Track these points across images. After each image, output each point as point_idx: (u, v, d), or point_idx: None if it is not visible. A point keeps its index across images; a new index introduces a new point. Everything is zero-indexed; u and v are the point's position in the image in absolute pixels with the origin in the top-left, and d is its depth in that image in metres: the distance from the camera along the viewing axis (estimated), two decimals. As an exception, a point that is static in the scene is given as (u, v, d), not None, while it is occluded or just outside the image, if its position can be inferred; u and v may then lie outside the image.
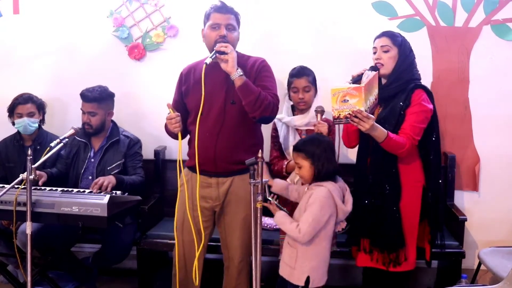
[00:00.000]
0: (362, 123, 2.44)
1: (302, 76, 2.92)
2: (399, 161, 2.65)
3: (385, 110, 2.69)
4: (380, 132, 2.51)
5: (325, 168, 2.45)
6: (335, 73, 3.11)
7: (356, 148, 2.88)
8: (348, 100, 2.41)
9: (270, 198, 2.50)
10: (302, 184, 2.60)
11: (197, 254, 2.71)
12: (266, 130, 2.98)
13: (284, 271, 2.56)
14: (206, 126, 2.67)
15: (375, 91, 2.60)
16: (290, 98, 2.97)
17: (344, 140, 2.87)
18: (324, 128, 2.70)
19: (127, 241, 3.24)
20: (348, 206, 2.51)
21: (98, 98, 3.27)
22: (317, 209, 2.41)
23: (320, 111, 2.72)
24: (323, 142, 2.52)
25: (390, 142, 2.53)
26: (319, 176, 2.47)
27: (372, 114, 2.55)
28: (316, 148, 2.46)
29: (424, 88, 2.70)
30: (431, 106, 2.66)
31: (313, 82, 2.94)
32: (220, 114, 2.67)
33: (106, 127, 3.34)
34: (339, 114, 2.45)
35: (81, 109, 3.31)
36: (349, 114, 2.43)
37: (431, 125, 2.68)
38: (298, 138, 2.89)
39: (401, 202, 2.66)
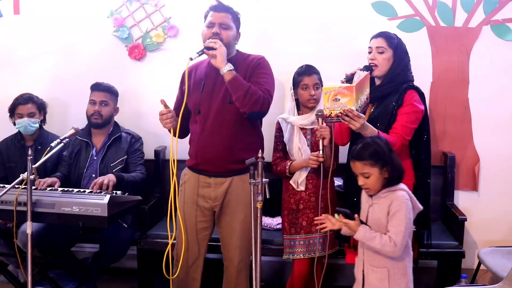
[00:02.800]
0: (353, 122, 2.46)
1: (312, 73, 2.91)
2: None
3: (378, 109, 2.72)
4: (371, 131, 2.53)
5: (397, 169, 2.29)
6: (335, 73, 3.10)
7: (347, 147, 2.89)
8: (339, 99, 2.44)
9: (337, 215, 2.35)
10: (371, 195, 2.36)
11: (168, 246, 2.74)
12: (268, 130, 2.98)
13: None
14: (205, 126, 2.69)
15: (367, 90, 2.63)
16: (296, 97, 2.95)
17: (336, 137, 2.87)
18: (326, 133, 2.69)
19: (125, 241, 3.23)
20: (419, 204, 2.36)
21: (110, 89, 3.37)
22: (406, 216, 2.24)
23: (321, 115, 2.71)
24: (382, 141, 2.34)
25: None
26: (391, 180, 2.29)
27: (364, 113, 2.57)
28: (381, 149, 2.28)
29: (416, 89, 2.72)
30: (422, 107, 2.69)
31: (321, 81, 2.95)
32: (218, 114, 2.67)
33: (110, 123, 3.39)
34: (331, 113, 2.48)
35: (91, 99, 3.34)
36: (340, 113, 2.46)
37: (422, 126, 2.71)
38: (303, 138, 2.88)
39: None
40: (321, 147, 2.71)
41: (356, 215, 2.32)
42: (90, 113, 3.33)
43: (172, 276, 2.76)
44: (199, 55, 2.61)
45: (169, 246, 2.74)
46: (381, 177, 2.28)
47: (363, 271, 2.37)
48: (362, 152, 2.30)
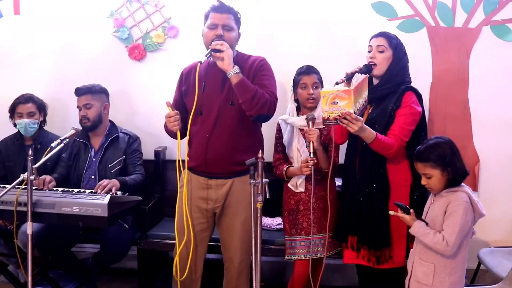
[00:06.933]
0: (351, 125, 2.47)
1: (312, 73, 2.92)
2: (387, 161, 2.69)
3: (376, 110, 2.72)
4: (369, 134, 2.54)
5: (459, 171, 2.34)
6: (335, 73, 3.10)
7: (345, 148, 2.89)
8: (337, 102, 2.46)
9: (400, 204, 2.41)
10: (434, 194, 2.42)
11: (178, 250, 2.74)
12: (268, 130, 2.98)
13: None
14: (206, 127, 2.69)
15: (365, 93, 2.64)
16: (296, 97, 2.95)
17: (336, 136, 2.87)
18: (313, 137, 2.68)
19: (126, 241, 3.23)
20: (483, 210, 2.35)
21: (91, 90, 3.34)
22: (462, 217, 2.28)
23: (311, 118, 2.71)
24: (447, 143, 2.38)
25: (378, 143, 2.57)
26: (453, 181, 2.34)
27: (362, 115, 2.58)
28: (443, 151, 2.33)
29: (414, 90, 2.73)
30: (420, 109, 2.70)
31: (320, 81, 2.95)
32: (219, 115, 2.67)
33: (103, 122, 3.37)
34: (329, 116, 2.49)
35: (77, 106, 3.34)
36: (339, 116, 2.47)
37: (419, 126, 2.71)
38: (302, 139, 2.88)
39: (390, 201, 2.67)
40: (311, 150, 2.70)
41: (412, 210, 2.39)
42: (79, 119, 3.34)
43: (173, 277, 2.75)
44: (207, 58, 2.60)
45: (178, 249, 2.74)
46: (443, 178, 2.34)
47: (413, 262, 2.45)
48: (424, 154, 2.37)
